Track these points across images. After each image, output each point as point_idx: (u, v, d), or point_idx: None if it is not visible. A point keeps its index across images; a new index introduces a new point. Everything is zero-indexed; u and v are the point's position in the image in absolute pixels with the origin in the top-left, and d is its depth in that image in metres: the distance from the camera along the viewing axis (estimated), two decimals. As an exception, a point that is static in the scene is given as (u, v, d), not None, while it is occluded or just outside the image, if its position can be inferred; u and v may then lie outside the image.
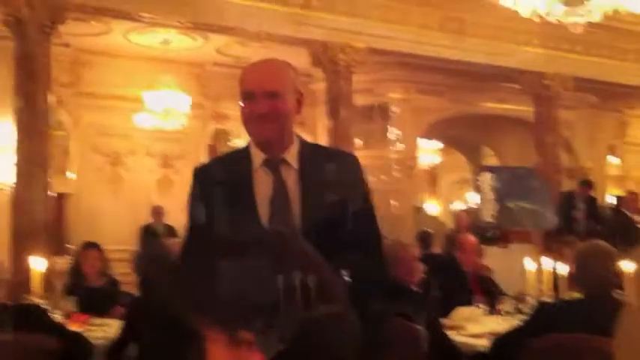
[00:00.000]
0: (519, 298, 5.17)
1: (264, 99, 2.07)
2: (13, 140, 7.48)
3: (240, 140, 10.99)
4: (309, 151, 2.20)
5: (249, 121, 2.11)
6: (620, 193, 12.85)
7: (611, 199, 12.49)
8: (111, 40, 9.25)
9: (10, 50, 7.47)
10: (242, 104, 2.12)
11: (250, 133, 2.14)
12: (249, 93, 2.10)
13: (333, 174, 2.12)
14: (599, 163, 13.28)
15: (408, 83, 10.78)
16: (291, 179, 2.11)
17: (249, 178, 2.11)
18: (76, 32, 8.50)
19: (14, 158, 7.40)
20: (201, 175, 2.19)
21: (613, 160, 13.74)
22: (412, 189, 11.30)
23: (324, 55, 8.80)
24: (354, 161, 2.23)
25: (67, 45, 9.08)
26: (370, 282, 2.02)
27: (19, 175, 7.27)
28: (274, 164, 2.13)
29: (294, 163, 2.14)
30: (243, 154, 2.17)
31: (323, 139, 10.76)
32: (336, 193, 2.09)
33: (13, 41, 7.38)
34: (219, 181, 2.13)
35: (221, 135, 11.29)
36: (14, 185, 7.41)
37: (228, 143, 11.39)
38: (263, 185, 2.11)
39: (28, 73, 7.24)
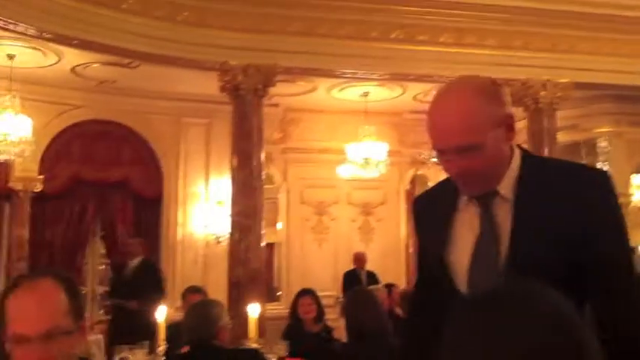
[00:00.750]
0: None
1: (456, 156, 1.65)
2: (229, 195, 8.09)
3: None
4: (534, 171, 1.73)
5: (449, 174, 1.74)
6: None
7: None
8: (315, 98, 9.75)
9: (228, 114, 8.17)
10: (435, 157, 1.75)
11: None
12: (436, 148, 1.69)
13: (563, 199, 1.65)
14: None
15: (619, 116, 10.12)
16: (502, 213, 1.71)
17: (451, 212, 1.78)
18: (284, 92, 9.04)
19: (230, 211, 7.99)
20: (414, 205, 2.00)
21: None
22: (628, 228, 10.45)
23: (524, 93, 8.56)
24: (598, 179, 1.71)
25: (276, 105, 9.68)
26: (629, 342, 1.57)
27: (235, 227, 7.82)
28: (483, 199, 1.74)
29: (509, 194, 1.71)
30: (453, 184, 1.77)
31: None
32: (564, 225, 1.63)
33: (230, 105, 8.06)
34: (426, 212, 1.92)
35: (419, 180, 11.34)
36: (230, 236, 7.98)
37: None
38: (468, 221, 1.76)
39: (243, 133, 7.89)
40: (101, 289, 9.43)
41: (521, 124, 9.66)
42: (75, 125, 9.25)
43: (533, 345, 0.86)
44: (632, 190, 10.68)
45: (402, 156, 10.73)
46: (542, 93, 8.47)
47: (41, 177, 8.88)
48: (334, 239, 10.60)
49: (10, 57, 7.62)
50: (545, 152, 8.49)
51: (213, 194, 9.80)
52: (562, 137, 8.89)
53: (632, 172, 10.63)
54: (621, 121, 10.15)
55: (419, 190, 11.63)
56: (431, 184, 11.03)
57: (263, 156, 8.01)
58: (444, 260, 1.77)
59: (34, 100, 8.37)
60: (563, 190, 1.66)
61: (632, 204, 10.64)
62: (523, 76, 8.49)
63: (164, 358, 4.41)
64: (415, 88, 9.35)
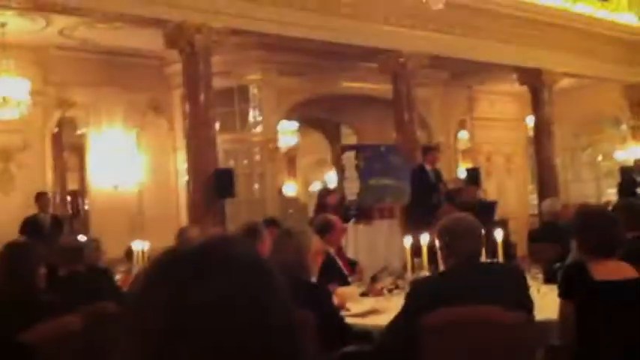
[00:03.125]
0: (398, 274, 5.17)
1: None
2: None
3: (88, 128, 10.29)
4: None
5: None
6: (470, 165, 13.43)
7: (462, 172, 13.02)
8: None
9: None
10: None
11: None
12: None
13: None
14: (451, 137, 13.78)
15: (268, 64, 10.55)
16: None
17: None
18: None
19: None
20: None
21: (463, 134, 14.32)
22: (274, 172, 11.13)
23: (179, 37, 8.34)
24: None
25: None
26: None
27: None
28: None
29: None
30: None
31: (180, 124, 10.32)
32: None
33: None
34: None
35: (67, 123, 10.52)
36: None
37: (77, 132, 10.65)
38: None
39: None
40: None
41: (175, 68, 9.50)
42: None
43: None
44: (279, 135, 11.35)
45: (46, 96, 9.75)
46: (198, 37, 8.35)
47: None
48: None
49: None
50: (201, 97, 8.45)
51: None
52: (217, 82, 8.92)
53: (280, 119, 11.26)
54: (270, 69, 10.60)
55: (67, 134, 10.80)
56: (84, 128, 10.30)
57: None
58: None
59: None
60: None
61: (279, 148, 11.30)
62: (179, 18, 8.25)
63: None
64: (62, 22, 8.51)
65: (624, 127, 15.08)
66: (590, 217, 3.14)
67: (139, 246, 6.64)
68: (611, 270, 2.98)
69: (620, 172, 12.17)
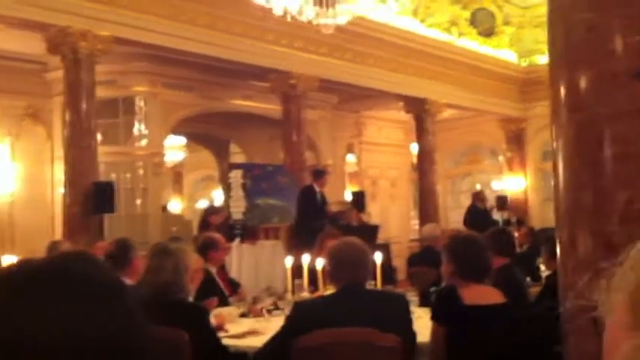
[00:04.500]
0: (279, 295, 5.13)
1: None
2: None
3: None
4: None
5: None
6: (357, 188, 13.67)
7: (348, 195, 13.21)
8: None
9: None
10: None
11: None
12: None
13: None
14: (339, 160, 13.98)
15: (155, 76, 10.30)
16: None
17: None
18: None
19: None
20: None
21: (351, 158, 14.57)
22: (158, 187, 10.85)
23: (62, 42, 8.00)
24: None
25: None
26: None
27: None
28: None
29: None
30: None
31: (59, 133, 9.88)
32: None
33: None
34: None
35: None
36: None
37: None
38: None
39: None
40: None
41: (57, 74, 9.10)
42: None
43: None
44: (165, 150, 11.09)
45: None
46: (82, 43, 8.04)
47: None
48: None
49: None
50: (83, 105, 8.13)
51: None
52: (101, 92, 8.62)
53: (168, 133, 11.00)
54: (157, 82, 10.37)
55: None
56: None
57: None
58: None
59: None
60: None
61: (164, 164, 11.05)
62: (62, 22, 7.92)
63: None
64: None
65: (501, 158, 15.86)
66: (461, 244, 3.22)
67: (9, 260, 6.26)
68: (480, 294, 3.06)
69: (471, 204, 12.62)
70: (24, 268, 0.80)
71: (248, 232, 9.55)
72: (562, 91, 2.60)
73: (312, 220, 9.05)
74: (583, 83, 2.55)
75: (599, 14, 2.55)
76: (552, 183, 2.58)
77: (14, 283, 0.77)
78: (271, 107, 11.07)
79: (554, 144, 2.48)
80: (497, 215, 12.77)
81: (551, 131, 2.48)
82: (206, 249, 5.22)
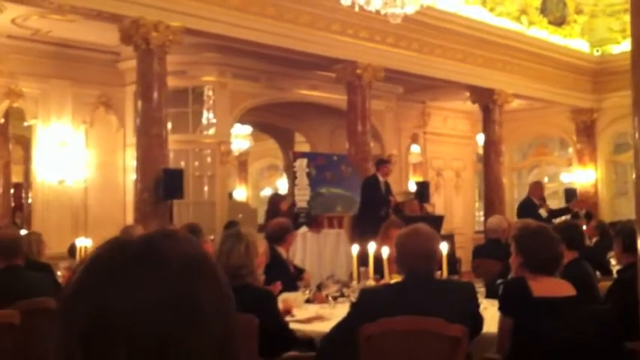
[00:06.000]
0: (345, 283, 5.18)
1: None
2: None
3: (36, 120, 10.04)
4: None
5: None
6: (421, 179, 13.59)
7: (412, 185, 13.15)
8: None
9: None
10: None
11: None
12: None
13: None
14: (404, 151, 13.92)
15: (224, 67, 10.48)
16: None
17: None
18: None
19: None
20: None
21: (415, 148, 14.48)
22: (225, 175, 11.05)
23: (135, 33, 8.22)
24: None
25: None
26: None
27: None
28: None
29: None
30: None
31: (131, 122, 10.17)
32: None
33: None
34: None
35: (14, 114, 10.26)
36: None
37: (25, 124, 10.38)
38: None
39: None
40: None
41: (130, 64, 9.36)
42: None
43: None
44: (232, 139, 11.28)
45: (-6, 85, 9.51)
46: (154, 34, 8.24)
47: None
48: None
49: None
50: (155, 95, 8.34)
51: None
52: (171, 82, 8.83)
53: (234, 122, 11.19)
54: (225, 72, 10.55)
55: (14, 125, 10.52)
56: (32, 119, 10.04)
57: None
58: None
59: None
60: None
61: (231, 152, 11.23)
62: (135, 13, 8.14)
63: None
64: (14, 11, 8.32)
65: (571, 150, 15.47)
66: (530, 235, 3.19)
67: (83, 243, 6.52)
68: (550, 287, 3.04)
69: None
70: (119, 248, 0.82)
71: (312, 220, 9.64)
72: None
73: (375, 209, 9.06)
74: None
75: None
76: (634, 175, 2.51)
77: (114, 263, 0.79)
78: (336, 97, 11.11)
79: (636, 134, 2.42)
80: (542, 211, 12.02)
81: (633, 121, 2.42)
82: (285, 233, 5.33)
